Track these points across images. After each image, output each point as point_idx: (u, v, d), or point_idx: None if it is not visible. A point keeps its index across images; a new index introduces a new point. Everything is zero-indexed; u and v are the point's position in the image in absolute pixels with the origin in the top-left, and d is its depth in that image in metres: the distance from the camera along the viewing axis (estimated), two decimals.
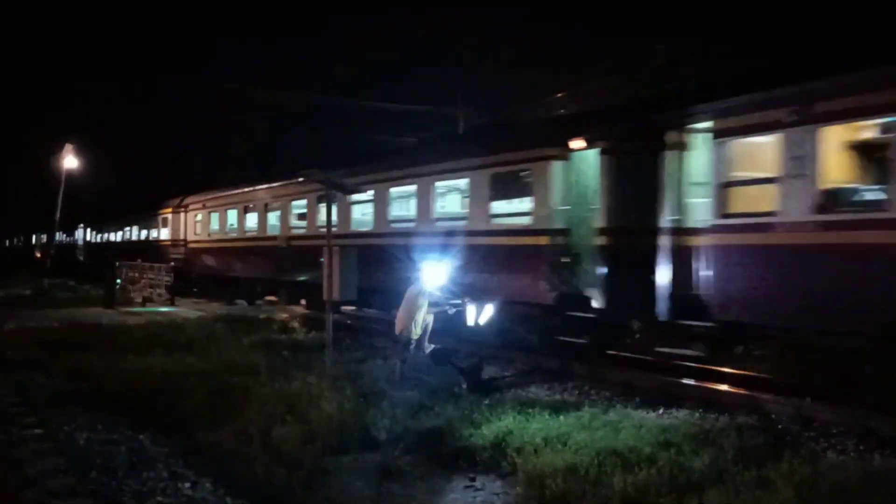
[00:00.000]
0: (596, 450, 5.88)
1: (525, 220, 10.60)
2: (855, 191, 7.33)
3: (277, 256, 17.84)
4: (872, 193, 7.12)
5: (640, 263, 8.77)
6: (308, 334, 13.37)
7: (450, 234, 11.68)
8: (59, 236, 42.18)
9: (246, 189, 19.88)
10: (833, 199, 7.31)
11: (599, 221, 9.43)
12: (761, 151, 7.98)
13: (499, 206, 11.21)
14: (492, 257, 10.65)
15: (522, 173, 10.54)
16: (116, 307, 19.71)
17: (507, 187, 10.95)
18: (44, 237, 49.11)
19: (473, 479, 5.83)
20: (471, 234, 11.37)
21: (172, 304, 20.84)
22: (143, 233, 29.49)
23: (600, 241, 9.46)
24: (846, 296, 6.99)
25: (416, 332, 9.55)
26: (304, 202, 16.86)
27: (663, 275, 8.64)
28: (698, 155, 8.53)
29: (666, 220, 8.63)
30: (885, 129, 7.04)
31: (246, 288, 20.17)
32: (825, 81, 7.39)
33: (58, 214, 28.97)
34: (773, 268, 7.67)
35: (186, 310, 19.26)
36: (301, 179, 15.64)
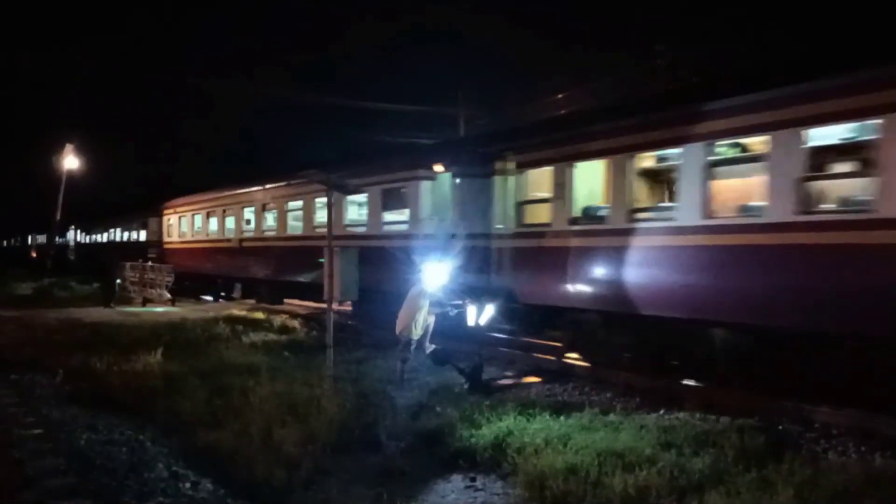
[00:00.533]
0: (596, 451, 5.88)
1: (404, 227, 13.16)
2: (594, 208, 10.23)
3: (232, 256, 20.32)
4: (602, 210, 10.02)
5: (479, 259, 11.32)
6: (309, 335, 13.37)
7: (355, 237, 14.40)
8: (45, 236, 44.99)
9: (207, 196, 22.59)
10: (582, 214, 10.27)
11: (452, 228, 11.89)
12: (543, 179, 10.79)
13: (387, 216, 13.98)
14: (383, 255, 12.85)
15: (402, 189, 13.25)
16: (113, 306, 19.66)
17: (393, 200, 13.67)
18: (39, 238, 51.79)
19: (474, 480, 5.83)
20: (369, 237, 14.15)
21: (173, 304, 20.85)
22: (126, 234, 31.83)
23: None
24: (583, 282, 9.99)
25: (417, 332, 9.56)
26: (252, 209, 19.51)
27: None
28: (515, 180, 11.18)
29: (495, 227, 11.22)
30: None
31: (209, 284, 22.44)
32: (574, 131, 10.49)
33: (58, 215, 28.99)
34: (547, 264, 10.45)
35: (186, 310, 19.26)
36: (246, 190, 19.41)
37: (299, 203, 16.75)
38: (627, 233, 9.24)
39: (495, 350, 11.29)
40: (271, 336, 13.17)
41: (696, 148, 8.49)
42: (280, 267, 17.72)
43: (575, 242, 10.07)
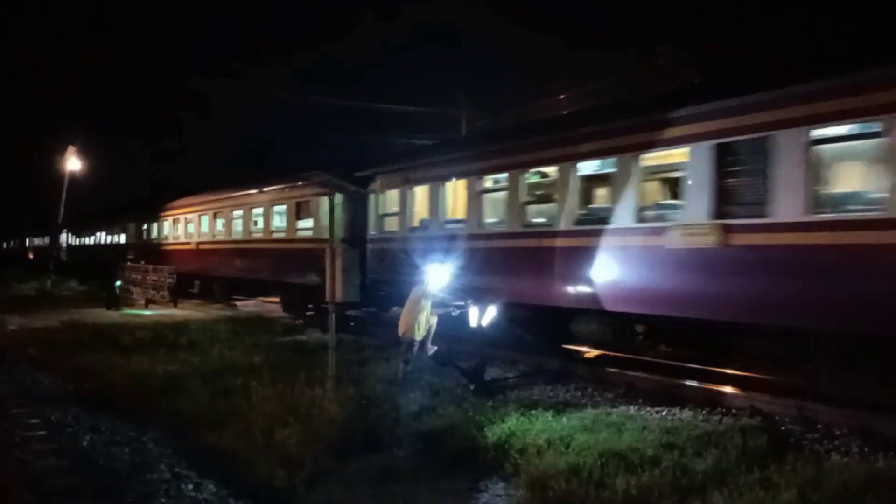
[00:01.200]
0: (599, 451, 5.88)
1: (309, 233, 16.54)
2: (427, 222, 13.36)
3: (192, 256, 23.28)
4: (427, 222, 13.36)
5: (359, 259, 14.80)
6: (311, 336, 13.39)
7: (280, 241, 18.02)
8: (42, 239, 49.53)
9: (174, 205, 26.14)
10: (419, 225, 13.57)
11: (341, 234, 14.63)
12: (394, 198, 14.29)
13: (299, 223, 17.25)
14: (296, 256, 16.60)
15: (309, 203, 16.64)
16: (113, 308, 19.56)
17: (302, 211, 17.17)
18: (36, 240, 55.56)
19: (476, 481, 5.83)
20: (286, 241, 17.76)
21: (175, 305, 20.87)
22: (111, 237, 34.75)
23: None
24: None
25: (420, 333, 9.56)
26: (206, 217, 22.62)
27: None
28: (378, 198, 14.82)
29: (369, 233, 14.89)
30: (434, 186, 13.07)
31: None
32: (408, 163, 14.24)
33: (61, 216, 29.08)
34: (394, 262, 13.70)
35: (188, 311, 19.28)
36: (202, 199, 22.83)
37: (241, 212, 20.20)
38: (443, 238, 12.54)
39: (497, 351, 11.29)
40: (273, 337, 13.18)
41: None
42: (229, 266, 20.50)
43: (413, 245, 13.05)
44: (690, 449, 5.99)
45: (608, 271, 9.55)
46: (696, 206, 8.48)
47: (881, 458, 5.94)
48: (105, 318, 17.01)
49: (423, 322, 9.58)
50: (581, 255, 9.87)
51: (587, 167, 10.42)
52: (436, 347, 10.11)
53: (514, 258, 11.24)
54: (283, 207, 17.97)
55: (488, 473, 5.94)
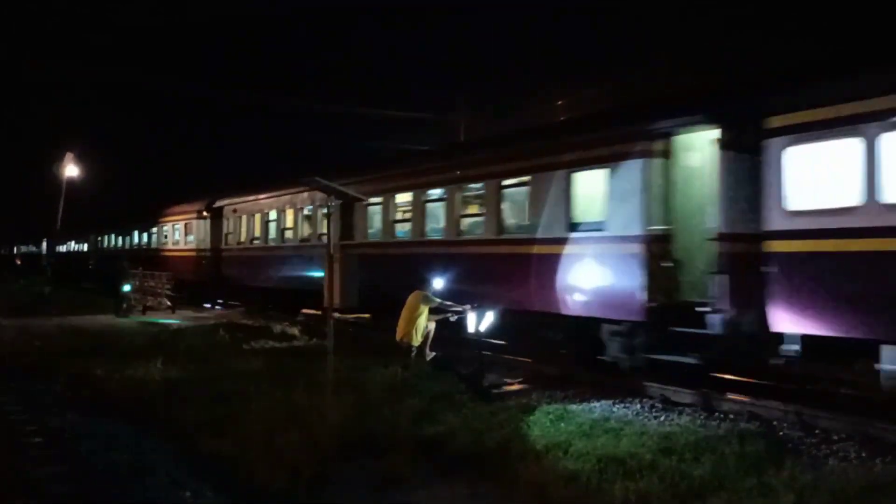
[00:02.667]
0: (597, 457, 5.89)
1: (193, 244, 24.18)
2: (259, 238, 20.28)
3: (140, 261, 26.91)
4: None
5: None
6: (309, 341, 13.38)
7: (183, 250, 25.31)
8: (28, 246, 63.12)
9: (126, 220, 33.15)
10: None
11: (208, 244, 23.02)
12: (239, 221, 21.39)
13: (189, 237, 24.69)
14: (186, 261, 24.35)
15: (192, 222, 24.12)
16: (122, 314, 19.57)
17: (189, 228, 24.69)
18: (24, 248, 66.77)
19: (475, 487, 5.82)
20: (181, 250, 25.33)
21: (173, 312, 20.86)
22: (78, 247, 42.16)
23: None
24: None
25: (418, 339, 9.57)
26: (155, 228, 28.88)
27: None
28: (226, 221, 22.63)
29: (223, 246, 22.27)
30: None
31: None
32: (237, 197, 22.13)
33: (58, 223, 29.07)
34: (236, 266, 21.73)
35: (187, 317, 19.26)
36: (147, 215, 29.87)
37: (167, 227, 27.05)
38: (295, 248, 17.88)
39: (496, 356, 11.30)
40: (271, 343, 13.17)
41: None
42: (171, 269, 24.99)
43: (249, 253, 20.44)
44: (689, 454, 5.99)
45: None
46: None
47: (879, 464, 5.96)
48: (103, 325, 16.98)
49: (421, 327, 9.60)
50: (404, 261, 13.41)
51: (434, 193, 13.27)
52: (434, 353, 10.12)
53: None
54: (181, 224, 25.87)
55: (487, 479, 5.93)
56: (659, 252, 9.07)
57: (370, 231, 15.04)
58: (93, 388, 9.47)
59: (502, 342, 11.71)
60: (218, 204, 23.16)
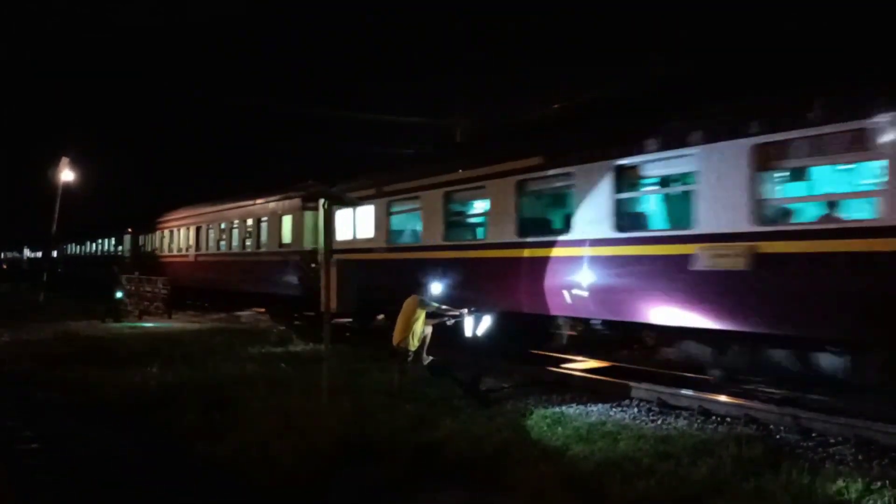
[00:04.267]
0: (595, 461, 5.89)
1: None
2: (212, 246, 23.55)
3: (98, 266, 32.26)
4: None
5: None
6: (306, 346, 13.35)
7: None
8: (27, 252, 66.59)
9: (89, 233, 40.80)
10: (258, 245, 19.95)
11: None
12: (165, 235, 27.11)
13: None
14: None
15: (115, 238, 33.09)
16: (111, 320, 19.42)
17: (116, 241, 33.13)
18: (9, 254, 74.81)
19: (473, 492, 5.81)
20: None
21: (169, 317, 20.80)
22: (53, 253, 45.97)
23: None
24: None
25: (414, 343, 9.55)
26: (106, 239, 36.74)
27: None
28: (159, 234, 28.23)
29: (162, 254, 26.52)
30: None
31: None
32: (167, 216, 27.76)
33: (53, 228, 29.00)
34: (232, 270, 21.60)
35: (183, 322, 19.21)
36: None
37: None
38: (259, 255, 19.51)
39: (493, 361, 11.30)
40: (268, 348, 13.14)
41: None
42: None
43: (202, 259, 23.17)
44: (686, 458, 5.99)
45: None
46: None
47: (876, 467, 5.97)
48: (98, 331, 16.93)
49: (417, 332, 9.58)
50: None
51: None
52: (431, 357, 10.11)
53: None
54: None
55: (485, 484, 5.92)
56: (310, 260, 16.45)
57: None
58: (88, 395, 9.44)
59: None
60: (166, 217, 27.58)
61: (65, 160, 27.93)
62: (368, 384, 9.54)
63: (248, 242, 20.07)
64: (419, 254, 12.83)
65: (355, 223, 14.80)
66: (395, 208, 13.74)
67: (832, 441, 6.80)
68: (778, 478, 5.44)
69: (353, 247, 14.64)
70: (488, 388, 9.53)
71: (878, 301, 6.59)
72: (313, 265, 16.18)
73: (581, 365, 10.99)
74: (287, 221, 17.77)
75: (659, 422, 7.64)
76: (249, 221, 19.93)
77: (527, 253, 10.47)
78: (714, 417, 7.77)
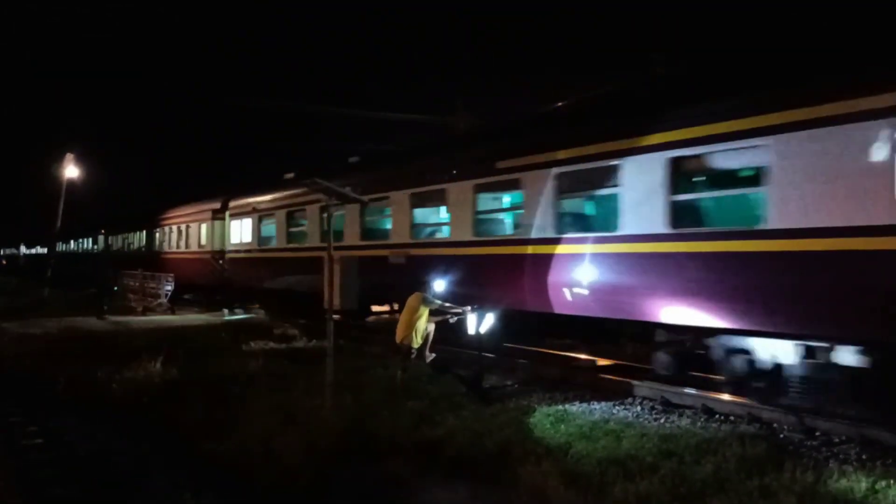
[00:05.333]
0: (598, 459, 5.87)
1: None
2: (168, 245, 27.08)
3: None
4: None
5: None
6: (309, 343, 13.36)
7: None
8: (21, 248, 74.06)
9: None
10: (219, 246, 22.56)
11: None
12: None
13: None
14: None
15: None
16: (106, 317, 19.32)
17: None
18: (8, 250, 79.81)
19: (476, 490, 5.81)
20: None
21: (172, 312, 20.83)
22: (44, 250, 51.84)
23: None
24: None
25: (417, 340, 9.55)
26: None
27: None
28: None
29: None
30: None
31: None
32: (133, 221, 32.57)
33: (58, 224, 29.08)
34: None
35: (186, 318, 19.23)
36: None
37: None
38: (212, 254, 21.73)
39: (495, 358, 11.30)
40: (271, 344, 13.15)
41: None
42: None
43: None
44: (689, 456, 5.98)
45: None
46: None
47: (880, 466, 5.95)
48: (101, 326, 16.96)
49: (420, 329, 9.58)
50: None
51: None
52: (434, 354, 10.11)
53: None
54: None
55: (488, 482, 5.92)
56: (217, 258, 21.03)
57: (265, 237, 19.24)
58: (92, 390, 9.46)
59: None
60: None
61: (69, 156, 28.02)
62: (371, 381, 9.55)
63: (185, 243, 24.23)
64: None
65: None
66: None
67: (836, 440, 6.78)
68: (782, 477, 5.42)
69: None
70: (490, 385, 9.52)
71: None
72: (220, 261, 20.98)
73: (584, 363, 10.97)
74: (204, 228, 22.28)
75: (662, 420, 7.62)
76: (183, 227, 24.48)
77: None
78: (717, 416, 7.75)
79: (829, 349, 7.10)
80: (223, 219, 21.01)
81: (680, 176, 8.25)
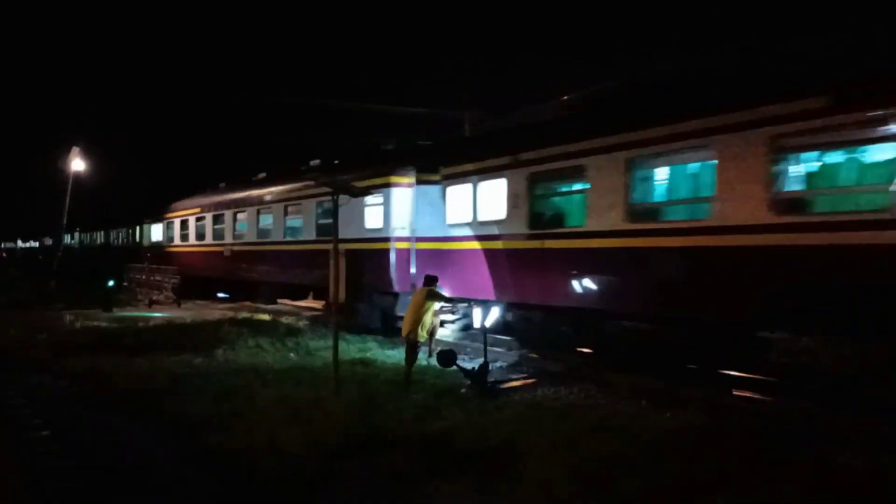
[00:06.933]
0: (603, 453, 5.85)
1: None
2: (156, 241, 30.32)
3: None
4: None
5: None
6: (314, 336, 13.39)
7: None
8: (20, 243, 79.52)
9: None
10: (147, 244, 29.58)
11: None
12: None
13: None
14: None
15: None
16: (114, 310, 19.38)
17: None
18: (6, 244, 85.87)
19: (481, 484, 5.80)
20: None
21: (178, 306, 20.91)
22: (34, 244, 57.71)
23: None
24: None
25: (423, 334, 9.55)
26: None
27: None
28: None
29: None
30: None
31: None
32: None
33: (64, 218, 29.20)
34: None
35: (191, 312, 19.31)
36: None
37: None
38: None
39: (501, 352, 11.29)
40: (277, 338, 13.17)
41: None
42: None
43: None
44: (694, 450, 5.95)
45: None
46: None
47: (887, 460, 5.90)
48: (108, 320, 17.03)
49: (427, 323, 9.58)
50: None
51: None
52: (439, 348, 10.10)
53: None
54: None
55: (493, 476, 5.91)
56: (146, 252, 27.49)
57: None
58: (98, 383, 9.50)
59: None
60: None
61: (75, 149, 28.06)
62: (376, 375, 9.56)
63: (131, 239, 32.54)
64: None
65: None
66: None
67: (843, 434, 6.74)
68: (787, 471, 5.39)
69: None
70: (496, 379, 9.52)
71: None
72: (149, 255, 26.40)
73: (588, 357, 10.95)
74: (146, 228, 29.89)
75: (668, 414, 7.59)
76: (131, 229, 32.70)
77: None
78: (722, 410, 7.72)
79: None
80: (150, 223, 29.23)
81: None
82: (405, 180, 13.20)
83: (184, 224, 24.81)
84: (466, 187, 12.24)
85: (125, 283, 24.96)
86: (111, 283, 21.65)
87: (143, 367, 10.05)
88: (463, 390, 8.67)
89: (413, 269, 12.97)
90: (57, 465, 6.22)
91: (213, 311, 19.29)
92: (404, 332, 9.62)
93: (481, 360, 9.48)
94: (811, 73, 8.01)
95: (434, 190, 13.05)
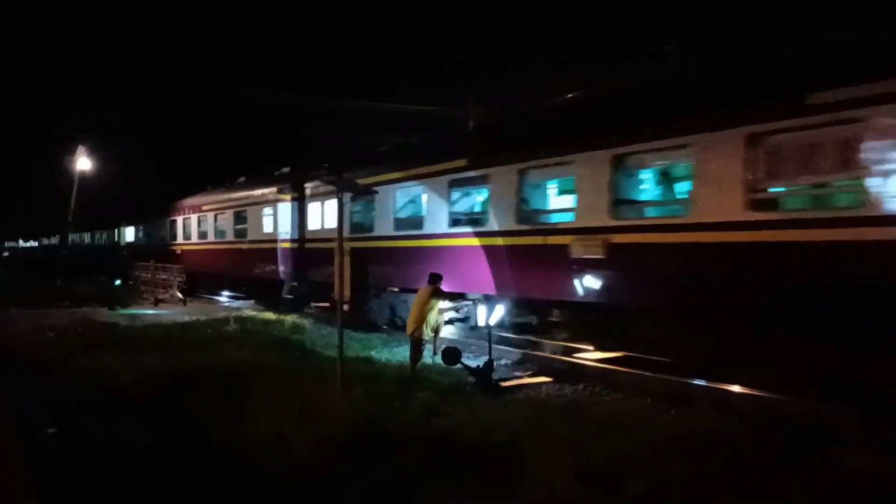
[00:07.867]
0: (609, 453, 5.83)
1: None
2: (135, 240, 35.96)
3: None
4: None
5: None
6: (320, 335, 13.41)
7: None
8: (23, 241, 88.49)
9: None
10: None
11: None
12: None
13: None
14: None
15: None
16: (119, 309, 19.47)
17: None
18: (8, 243, 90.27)
19: (485, 482, 5.79)
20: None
21: (184, 304, 20.96)
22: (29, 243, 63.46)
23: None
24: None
25: (428, 332, 9.55)
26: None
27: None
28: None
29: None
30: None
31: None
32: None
33: (70, 217, 29.31)
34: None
35: (198, 310, 19.35)
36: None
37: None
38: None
39: (506, 350, 11.28)
40: (282, 336, 13.20)
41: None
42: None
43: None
44: (702, 450, 5.92)
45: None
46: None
47: None
48: (114, 318, 17.09)
49: (431, 321, 9.58)
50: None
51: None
52: (444, 346, 10.10)
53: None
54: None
55: (497, 475, 5.90)
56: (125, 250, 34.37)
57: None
58: (105, 381, 9.53)
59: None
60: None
61: (81, 148, 28.15)
62: (381, 373, 9.56)
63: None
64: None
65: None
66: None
67: (853, 435, 6.69)
68: (797, 471, 5.37)
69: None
70: (501, 377, 9.51)
71: None
72: (125, 252, 31.28)
73: (594, 355, 10.94)
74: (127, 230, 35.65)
75: (674, 413, 7.57)
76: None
77: None
78: (730, 409, 7.69)
79: None
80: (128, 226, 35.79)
81: None
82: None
83: (187, 223, 25.35)
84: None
85: (131, 282, 25.05)
86: (118, 282, 21.77)
87: (149, 365, 10.07)
88: (468, 388, 8.66)
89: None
90: (65, 462, 6.25)
91: (219, 310, 19.34)
92: (409, 331, 9.62)
93: (486, 358, 9.48)
94: None
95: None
